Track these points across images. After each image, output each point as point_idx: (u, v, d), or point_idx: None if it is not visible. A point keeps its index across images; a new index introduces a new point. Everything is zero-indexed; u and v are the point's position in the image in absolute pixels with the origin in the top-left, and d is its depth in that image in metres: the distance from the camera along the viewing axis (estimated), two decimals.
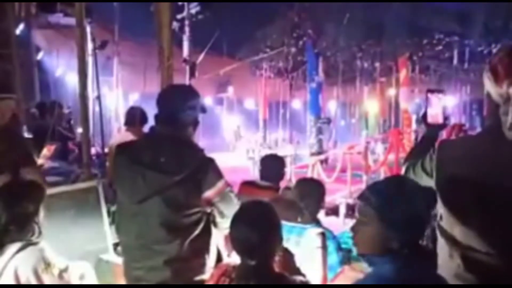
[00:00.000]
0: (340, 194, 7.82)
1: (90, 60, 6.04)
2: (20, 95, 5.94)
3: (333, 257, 2.72)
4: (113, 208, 3.02)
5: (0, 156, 3.03)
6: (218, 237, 2.29)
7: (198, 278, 2.12)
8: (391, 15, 14.45)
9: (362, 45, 16.63)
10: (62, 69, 12.30)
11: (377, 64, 17.96)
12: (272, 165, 3.76)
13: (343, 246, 2.96)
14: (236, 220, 1.79)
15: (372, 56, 17.54)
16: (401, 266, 1.41)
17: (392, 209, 1.43)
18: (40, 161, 4.87)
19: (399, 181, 1.59)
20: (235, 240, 1.77)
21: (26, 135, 5.72)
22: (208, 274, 2.08)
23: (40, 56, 11.27)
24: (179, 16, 9.19)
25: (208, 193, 2.10)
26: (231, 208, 2.07)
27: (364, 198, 1.49)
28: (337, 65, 17.39)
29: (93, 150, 5.13)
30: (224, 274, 1.81)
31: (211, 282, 1.87)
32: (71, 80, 11.23)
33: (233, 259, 1.88)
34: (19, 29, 8.42)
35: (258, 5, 14.99)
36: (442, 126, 2.00)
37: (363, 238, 1.49)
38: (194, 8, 9.34)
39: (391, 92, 19.05)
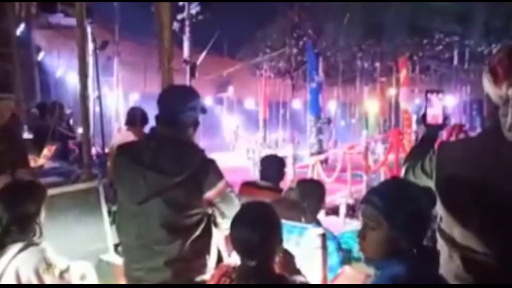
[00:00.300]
0: (340, 194, 7.83)
1: (90, 60, 6.04)
2: (20, 95, 5.95)
3: (334, 258, 2.73)
4: (113, 208, 3.03)
5: (0, 156, 3.05)
6: (219, 238, 2.30)
7: (198, 278, 2.12)
8: (391, 15, 14.44)
9: (362, 45, 16.63)
10: (63, 69, 12.31)
11: (377, 64, 17.96)
12: (272, 166, 3.76)
13: (343, 246, 2.97)
14: (236, 221, 1.79)
15: (372, 56, 17.54)
16: (411, 266, 1.41)
17: (400, 211, 1.43)
18: (40, 161, 4.88)
19: (401, 183, 1.61)
20: (235, 240, 1.77)
21: (27, 135, 5.74)
22: (208, 274, 2.09)
23: (40, 56, 11.29)
24: (179, 17, 9.18)
25: (209, 194, 2.11)
26: (232, 208, 2.07)
27: (370, 202, 1.48)
28: (337, 65, 17.39)
29: (93, 150, 5.13)
30: (224, 275, 1.81)
31: (211, 283, 1.87)
32: (72, 80, 11.25)
33: (234, 259, 1.89)
34: (20, 29, 8.43)
35: (258, 5, 14.99)
36: (442, 126, 2.00)
37: (373, 242, 1.48)
38: (194, 8, 9.33)
39: (391, 92, 19.04)
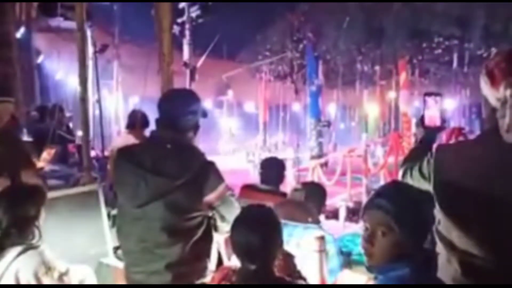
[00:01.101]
0: (340, 197, 7.82)
1: (90, 63, 6.05)
2: (20, 98, 5.94)
3: (334, 261, 2.72)
4: (113, 212, 3.03)
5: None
6: (219, 241, 2.30)
7: (199, 281, 2.12)
8: (391, 19, 14.45)
9: (362, 48, 16.62)
10: (62, 72, 12.33)
11: (377, 67, 17.94)
12: (273, 168, 3.76)
13: (343, 249, 2.97)
14: (237, 224, 1.79)
15: (372, 59, 17.51)
16: (416, 269, 1.41)
17: (410, 215, 1.43)
18: (40, 164, 4.87)
19: (404, 186, 1.61)
20: (235, 243, 1.77)
21: (26, 138, 5.73)
22: (209, 277, 2.09)
23: (40, 59, 11.31)
24: (179, 20, 9.20)
25: (209, 197, 2.12)
26: (232, 212, 2.08)
27: (379, 207, 1.47)
28: (337, 68, 17.37)
29: (92, 153, 5.13)
30: (224, 278, 1.81)
31: None
32: (71, 83, 11.26)
33: (234, 262, 1.89)
34: (20, 32, 8.45)
35: (258, 8, 15.02)
36: (440, 128, 2.00)
37: (382, 248, 1.47)
38: (194, 12, 9.35)
39: (391, 95, 19.04)
